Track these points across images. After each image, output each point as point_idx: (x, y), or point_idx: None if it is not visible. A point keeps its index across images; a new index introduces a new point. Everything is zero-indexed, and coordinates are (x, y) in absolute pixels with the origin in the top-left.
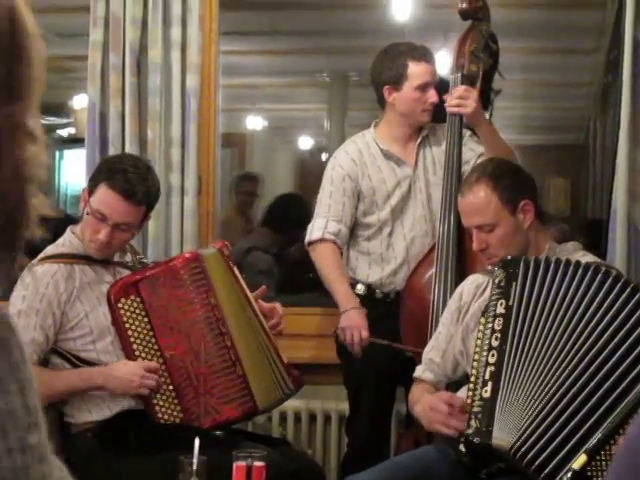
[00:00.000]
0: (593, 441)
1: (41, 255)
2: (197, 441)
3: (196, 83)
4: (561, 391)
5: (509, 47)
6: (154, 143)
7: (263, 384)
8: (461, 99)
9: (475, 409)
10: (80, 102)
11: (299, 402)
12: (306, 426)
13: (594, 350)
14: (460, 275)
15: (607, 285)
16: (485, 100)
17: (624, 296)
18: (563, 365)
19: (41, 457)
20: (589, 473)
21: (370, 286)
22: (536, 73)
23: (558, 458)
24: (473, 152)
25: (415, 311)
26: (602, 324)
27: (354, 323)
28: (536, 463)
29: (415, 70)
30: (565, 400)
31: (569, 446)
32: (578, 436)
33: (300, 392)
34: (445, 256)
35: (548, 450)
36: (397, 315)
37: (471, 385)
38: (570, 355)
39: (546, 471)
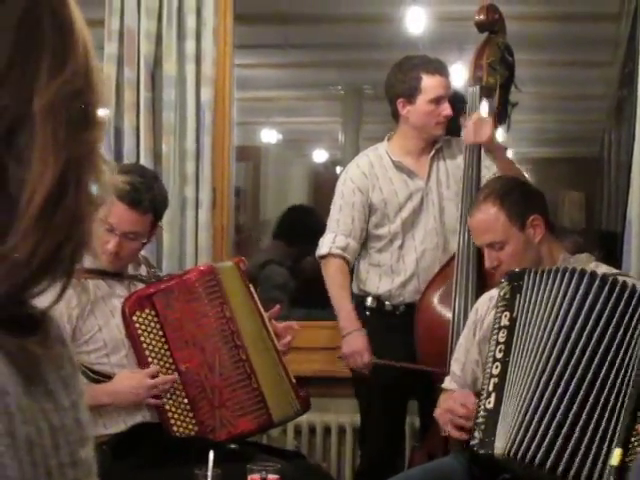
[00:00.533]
0: (617, 432)
1: None
2: (212, 454)
3: (210, 96)
4: (557, 395)
5: (524, 60)
6: (169, 157)
7: (277, 397)
8: (477, 129)
9: (479, 420)
10: None
11: (314, 415)
12: (321, 439)
13: (591, 356)
14: (480, 289)
15: (605, 290)
16: (503, 113)
17: (620, 299)
18: (561, 371)
19: (90, 471)
20: (630, 464)
21: (379, 298)
22: (551, 86)
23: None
24: (488, 170)
25: (431, 325)
26: (598, 330)
27: (356, 348)
28: (536, 460)
29: (429, 83)
30: (558, 401)
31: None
32: (584, 431)
33: (315, 405)
34: (465, 270)
35: (554, 447)
36: (407, 328)
37: (480, 396)
38: (567, 361)
39: (560, 469)
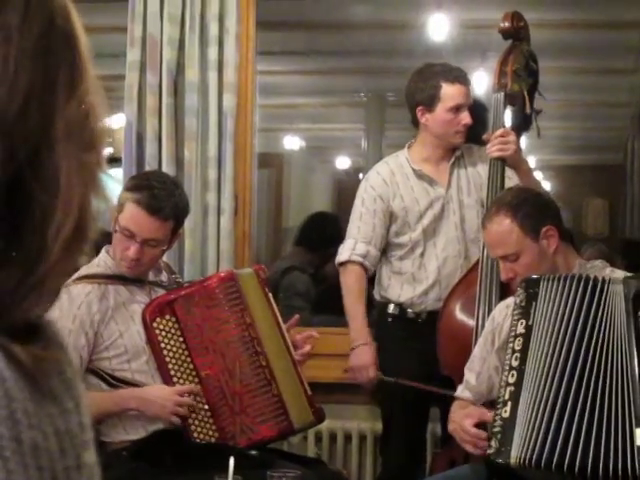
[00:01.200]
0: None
1: (76, 275)
2: (232, 461)
3: (233, 103)
4: (569, 400)
5: (548, 67)
6: (191, 163)
7: (297, 405)
8: (502, 143)
9: (495, 429)
10: (118, 122)
11: (335, 422)
12: (341, 446)
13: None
14: (503, 298)
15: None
16: (527, 120)
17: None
18: (571, 377)
19: (92, 474)
20: None
21: (402, 305)
22: (575, 93)
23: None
24: (511, 180)
25: (454, 333)
26: (606, 335)
27: (362, 363)
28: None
29: (448, 92)
30: (568, 404)
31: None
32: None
33: (335, 412)
34: (489, 279)
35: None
36: (429, 335)
37: (497, 405)
38: (576, 365)
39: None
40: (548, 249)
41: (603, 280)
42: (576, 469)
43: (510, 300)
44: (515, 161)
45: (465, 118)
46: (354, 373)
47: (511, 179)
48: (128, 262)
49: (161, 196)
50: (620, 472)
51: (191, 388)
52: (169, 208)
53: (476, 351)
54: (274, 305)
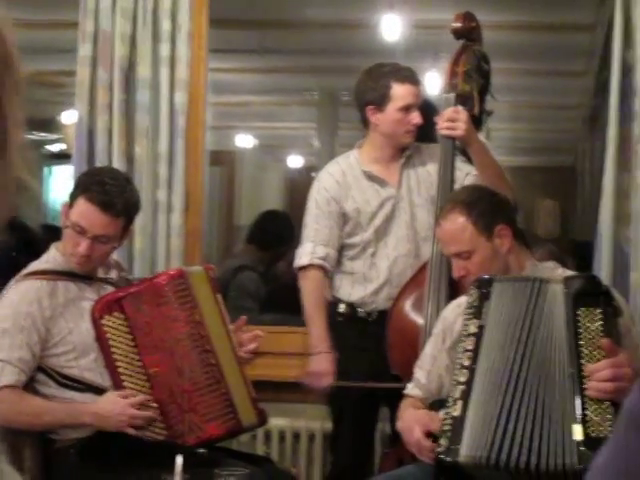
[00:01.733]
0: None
1: (24, 271)
2: (179, 459)
3: (184, 100)
4: (516, 400)
5: (499, 68)
6: (142, 159)
7: (245, 403)
8: (451, 121)
9: (446, 427)
10: (70, 118)
11: (284, 421)
12: (290, 445)
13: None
14: (452, 297)
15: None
16: (478, 121)
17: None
18: (518, 376)
19: None
20: (594, 434)
21: (352, 305)
22: (526, 95)
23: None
24: (461, 172)
25: (403, 332)
26: (549, 333)
27: (321, 370)
28: (500, 464)
29: (398, 91)
30: (516, 404)
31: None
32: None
33: (285, 411)
34: (437, 278)
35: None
36: (379, 335)
37: (447, 403)
38: (551, 362)
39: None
40: (501, 248)
41: (546, 280)
42: (521, 468)
43: (462, 299)
44: (466, 139)
45: (415, 118)
46: (311, 378)
47: (461, 170)
48: (78, 258)
49: (113, 192)
50: (563, 468)
51: (143, 398)
52: (121, 204)
53: (427, 349)
54: (222, 306)
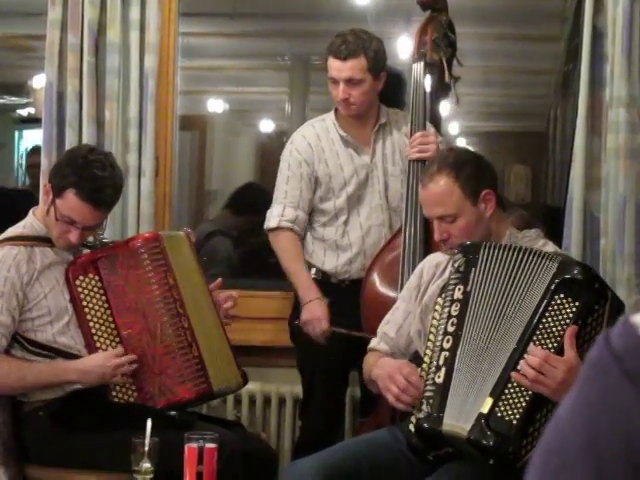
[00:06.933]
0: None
1: (2, 236)
2: (149, 422)
3: (154, 64)
4: (502, 369)
5: (470, 33)
6: (111, 124)
7: (219, 368)
8: (422, 145)
9: (427, 394)
10: (40, 82)
11: (254, 385)
12: (260, 409)
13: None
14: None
15: (545, 266)
16: (446, 88)
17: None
18: (507, 346)
19: None
20: (499, 414)
21: (325, 273)
22: (497, 60)
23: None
24: None
25: (377, 302)
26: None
27: (315, 316)
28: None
29: (329, 64)
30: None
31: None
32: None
33: (255, 375)
34: (412, 248)
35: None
36: (351, 301)
37: (425, 366)
38: (513, 336)
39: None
40: (485, 213)
41: (542, 254)
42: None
43: (441, 258)
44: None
45: (339, 93)
46: (307, 327)
47: None
48: (67, 245)
49: (105, 186)
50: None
51: (121, 350)
52: (111, 196)
53: (399, 304)
54: (201, 269)
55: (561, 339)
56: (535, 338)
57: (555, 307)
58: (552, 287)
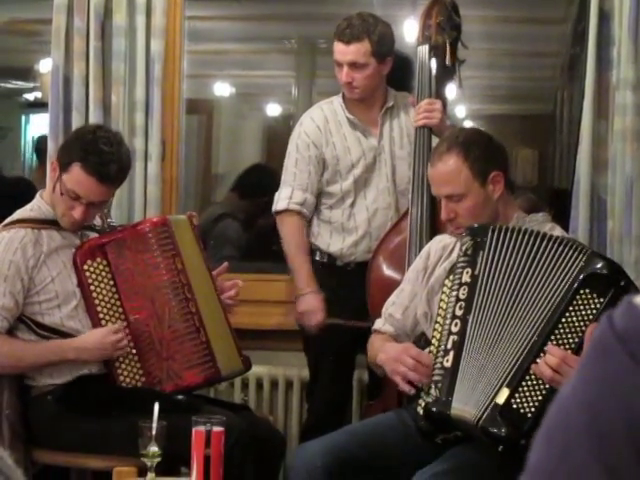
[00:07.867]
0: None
1: (8, 220)
2: (157, 406)
3: (161, 48)
4: (520, 361)
5: (475, 16)
6: (118, 107)
7: (225, 352)
8: (427, 112)
9: (436, 377)
10: (46, 66)
11: (261, 368)
12: (268, 392)
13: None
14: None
15: (570, 257)
16: (451, 71)
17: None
18: (523, 335)
19: None
20: (514, 405)
21: (330, 255)
22: (503, 42)
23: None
24: None
25: (383, 285)
26: (560, 295)
27: (311, 307)
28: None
29: (334, 47)
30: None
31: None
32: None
33: (262, 358)
34: (419, 231)
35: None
36: (357, 284)
37: (433, 349)
38: (530, 325)
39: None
40: (493, 195)
41: (567, 243)
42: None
43: (448, 240)
44: (440, 128)
45: (342, 76)
46: (302, 318)
47: None
48: (71, 222)
49: (110, 161)
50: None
51: (120, 327)
52: (117, 172)
53: (405, 285)
54: (204, 253)
55: (582, 335)
56: (557, 331)
57: (580, 302)
58: (578, 280)
